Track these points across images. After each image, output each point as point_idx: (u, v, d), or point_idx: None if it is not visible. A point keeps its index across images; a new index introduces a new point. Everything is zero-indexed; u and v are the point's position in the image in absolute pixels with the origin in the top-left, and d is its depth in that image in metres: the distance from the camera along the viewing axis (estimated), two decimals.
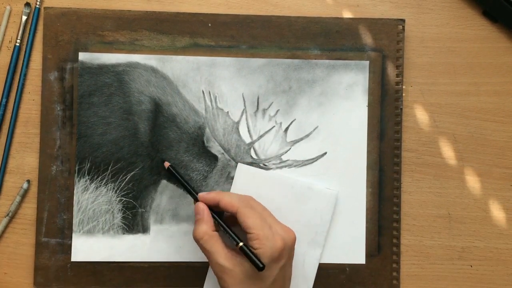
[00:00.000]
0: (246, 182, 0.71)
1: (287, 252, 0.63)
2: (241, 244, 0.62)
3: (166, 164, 0.69)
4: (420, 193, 0.74)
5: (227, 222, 0.65)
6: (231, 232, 0.63)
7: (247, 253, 0.61)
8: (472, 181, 0.74)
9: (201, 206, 0.65)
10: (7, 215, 0.70)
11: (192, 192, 0.67)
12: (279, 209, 0.69)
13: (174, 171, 0.69)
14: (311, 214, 0.71)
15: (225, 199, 0.64)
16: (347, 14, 0.74)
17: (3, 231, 0.71)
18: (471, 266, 0.73)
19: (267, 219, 0.64)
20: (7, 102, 0.71)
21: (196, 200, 0.66)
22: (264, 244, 0.61)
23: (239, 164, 0.71)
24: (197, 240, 0.63)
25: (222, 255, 0.62)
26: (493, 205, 0.74)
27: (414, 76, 0.74)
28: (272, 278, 0.62)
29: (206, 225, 0.63)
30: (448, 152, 0.74)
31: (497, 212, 0.74)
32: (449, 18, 0.75)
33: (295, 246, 0.66)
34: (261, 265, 0.60)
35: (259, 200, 0.68)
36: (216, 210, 0.65)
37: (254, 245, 0.62)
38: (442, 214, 0.74)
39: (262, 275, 0.62)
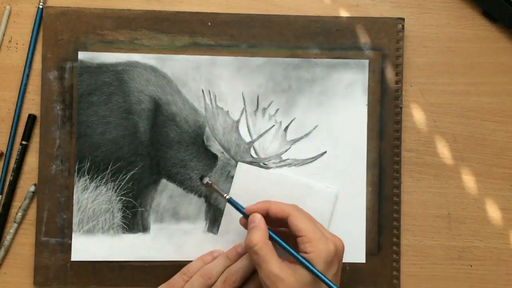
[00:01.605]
0: (246, 181, 0.71)
1: (338, 259, 0.62)
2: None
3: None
4: (420, 193, 0.74)
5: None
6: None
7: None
8: (472, 181, 0.74)
9: (258, 216, 0.64)
10: (15, 221, 0.70)
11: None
12: None
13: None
14: (311, 213, 0.70)
15: (275, 205, 0.64)
16: (347, 14, 0.74)
17: (13, 238, 0.71)
18: (471, 266, 0.73)
19: (317, 225, 0.64)
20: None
21: (243, 214, 0.65)
22: (317, 247, 0.60)
23: (239, 163, 0.71)
24: (251, 247, 0.62)
25: (276, 264, 0.60)
26: (493, 205, 0.74)
27: (414, 76, 0.74)
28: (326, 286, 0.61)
29: (262, 233, 0.62)
30: (448, 152, 0.74)
31: (497, 212, 0.74)
32: (449, 18, 0.75)
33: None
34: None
35: (256, 197, 0.67)
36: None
37: (306, 248, 0.61)
38: (442, 214, 0.74)
39: (316, 283, 0.60)
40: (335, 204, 0.72)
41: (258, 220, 0.63)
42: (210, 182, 0.69)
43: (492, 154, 0.74)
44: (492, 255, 0.73)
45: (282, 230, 0.66)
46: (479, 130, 0.74)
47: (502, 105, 0.74)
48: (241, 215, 0.66)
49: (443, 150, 0.74)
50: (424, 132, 0.74)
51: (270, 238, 0.63)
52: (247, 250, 0.63)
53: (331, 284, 0.59)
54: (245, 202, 0.67)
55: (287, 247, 0.62)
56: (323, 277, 0.59)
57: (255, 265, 0.62)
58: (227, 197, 0.67)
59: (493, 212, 0.74)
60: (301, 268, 0.60)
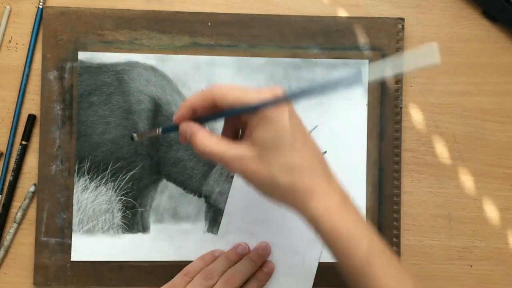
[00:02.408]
0: (245, 187, 0.70)
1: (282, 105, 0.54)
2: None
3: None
4: (420, 193, 0.74)
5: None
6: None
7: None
8: (472, 181, 0.74)
9: (185, 124, 0.56)
10: (15, 221, 0.70)
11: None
12: (279, 208, 0.69)
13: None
14: None
15: (195, 98, 0.55)
16: (347, 14, 0.74)
17: (13, 238, 0.71)
18: (471, 266, 0.73)
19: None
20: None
21: (176, 128, 0.58)
22: (245, 92, 0.53)
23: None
24: (206, 152, 0.54)
25: (235, 148, 0.54)
26: (493, 205, 0.74)
27: (414, 76, 0.74)
28: (287, 132, 0.53)
29: (203, 132, 0.55)
30: (448, 152, 0.74)
31: (497, 212, 0.74)
32: (449, 18, 0.75)
33: (296, 245, 0.65)
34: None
35: (257, 196, 0.63)
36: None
37: (234, 101, 0.53)
38: (442, 214, 0.73)
39: (276, 139, 0.53)
40: None
41: (192, 125, 0.56)
42: (138, 136, 0.64)
43: (492, 154, 0.74)
44: (492, 255, 0.73)
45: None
46: (479, 130, 0.74)
47: (502, 105, 0.74)
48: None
49: (443, 150, 0.74)
50: (424, 132, 0.74)
51: (214, 118, 0.57)
52: (204, 158, 0.56)
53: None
54: (244, 201, 0.67)
55: (220, 112, 0.55)
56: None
57: (222, 164, 0.56)
58: (160, 129, 0.60)
59: (493, 212, 0.74)
60: (256, 133, 0.53)
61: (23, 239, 0.71)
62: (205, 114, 0.56)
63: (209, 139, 0.55)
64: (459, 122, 0.74)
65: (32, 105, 0.71)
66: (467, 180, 0.74)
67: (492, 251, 0.73)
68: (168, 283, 0.67)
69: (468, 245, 0.73)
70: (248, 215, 0.71)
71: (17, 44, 0.72)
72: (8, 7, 0.72)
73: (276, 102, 0.53)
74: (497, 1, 0.73)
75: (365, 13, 0.74)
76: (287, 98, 0.53)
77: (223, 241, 0.71)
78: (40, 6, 0.71)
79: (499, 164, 0.74)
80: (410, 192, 0.73)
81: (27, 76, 0.71)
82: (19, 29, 0.72)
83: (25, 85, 0.71)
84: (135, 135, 0.63)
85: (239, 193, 0.71)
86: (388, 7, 0.74)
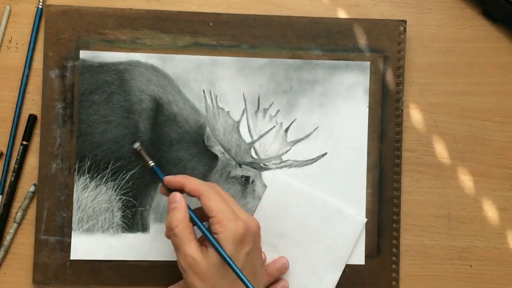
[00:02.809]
0: (277, 192, 0.71)
1: (251, 238, 0.61)
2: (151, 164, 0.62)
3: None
4: (420, 193, 0.74)
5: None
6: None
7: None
8: (472, 181, 0.74)
9: (178, 195, 0.62)
10: (15, 221, 0.70)
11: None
12: (306, 225, 0.70)
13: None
14: (336, 237, 0.71)
15: (191, 182, 0.62)
16: (347, 14, 0.74)
17: (12, 238, 0.71)
18: (471, 266, 0.73)
19: (231, 205, 0.62)
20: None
21: (162, 182, 0.64)
22: (226, 227, 0.59)
23: (274, 174, 0.71)
24: (172, 228, 0.60)
25: (193, 246, 0.60)
26: (493, 205, 0.74)
27: (414, 76, 0.74)
28: (239, 265, 0.60)
29: (182, 214, 0.61)
30: (448, 152, 0.74)
31: (497, 212, 0.74)
32: (449, 18, 0.75)
33: (315, 266, 0.66)
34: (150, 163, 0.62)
35: (286, 211, 0.69)
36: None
37: (216, 229, 0.59)
38: (442, 214, 0.74)
39: (226, 265, 0.59)
40: (361, 233, 0.72)
41: (179, 200, 0.62)
42: (139, 148, 0.66)
43: (492, 154, 0.74)
44: (492, 255, 0.74)
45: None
46: (479, 130, 0.74)
47: (502, 105, 0.74)
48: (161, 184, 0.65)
49: (443, 150, 0.74)
50: (424, 132, 0.74)
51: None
52: (167, 231, 0.62)
53: (231, 263, 0.59)
54: (272, 213, 0.69)
55: (203, 227, 0.61)
56: (224, 254, 0.59)
57: (174, 247, 0.61)
58: (152, 164, 0.65)
59: (493, 212, 0.74)
60: (212, 250, 0.60)
61: (23, 239, 0.71)
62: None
63: (185, 223, 0.61)
64: (459, 122, 0.74)
65: (32, 105, 0.71)
66: (467, 180, 0.74)
67: (492, 251, 0.73)
68: None
69: (468, 245, 0.73)
70: (274, 228, 0.71)
71: (17, 44, 0.72)
72: (8, 7, 0.72)
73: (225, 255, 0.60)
74: (497, 1, 0.73)
75: (365, 13, 0.74)
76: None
77: None
78: (40, 6, 0.71)
79: (499, 164, 0.74)
80: (410, 192, 0.73)
81: (27, 76, 0.71)
82: (19, 29, 0.72)
83: (25, 85, 0.71)
84: (138, 144, 0.66)
85: (269, 205, 0.71)
86: (388, 7, 0.74)
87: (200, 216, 0.63)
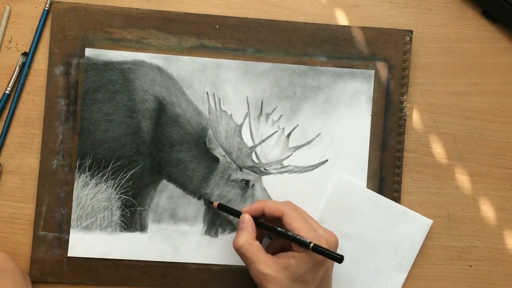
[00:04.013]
0: (342, 194, 0.71)
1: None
2: (312, 244, 0.61)
3: (215, 204, 0.69)
4: (420, 193, 0.73)
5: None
6: (294, 235, 0.62)
7: (321, 251, 0.60)
8: (472, 181, 0.74)
9: (246, 216, 0.65)
10: None
11: (236, 212, 0.67)
12: (371, 227, 0.71)
13: (224, 208, 0.69)
14: (402, 239, 0.71)
15: (270, 205, 0.65)
16: (346, 15, 0.73)
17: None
18: (471, 266, 0.73)
19: (311, 222, 0.64)
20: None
21: (238, 216, 0.66)
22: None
23: (340, 174, 0.72)
24: (237, 249, 0.63)
25: (263, 263, 0.62)
26: (492, 206, 0.74)
27: (414, 76, 0.74)
28: (317, 281, 0.62)
29: (247, 234, 0.63)
30: (447, 152, 0.74)
31: (496, 213, 0.74)
32: (448, 18, 0.75)
33: (381, 268, 0.67)
34: (339, 256, 0.60)
35: (350, 212, 0.70)
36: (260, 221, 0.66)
37: (299, 248, 0.62)
38: (442, 214, 0.73)
39: (306, 278, 0.62)
40: (426, 234, 0.72)
41: (246, 221, 0.64)
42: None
43: (492, 154, 0.74)
44: (492, 255, 0.73)
45: None
46: (479, 130, 0.74)
47: (502, 105, 0.74)
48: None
49: (443, 151, 0.74)
50: (424, 132, 0.74)
51: (272, 232, 0.65)
52: (236, 251, 0.64)
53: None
54: (337, 214, 0.70)
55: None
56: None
57: (246, 266, 0.63)
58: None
59: (493, 212, 0.74)
60: (293, 263, 0.61)
61: (23, 239, 0.70)
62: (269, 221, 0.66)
63: (250, 242, 0.63)
64: (458, 123, 0.74)
65: (32, 105, 0.71)
66: (466, 181, 0.74)
67: (492, 251, 0.73)
68: None
69: (467, 245, 0.73)
70: (339, 229, 0.71)
71: (17, 44, 0.72)
72: (8, 7, 0.72)
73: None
74: (497, 1, 0.72)
75: (365, 14, 0.74)
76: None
77: (220, 244, 0.71)
78: (46, 9, 0.71)
79: (499, 164, 0.74)
80: (410, 192, 0.73)
81: (26, 75, 0.71)
82: (19, 29, 0.72)
83: (23, 85, 0.71)
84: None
85: (335, 206, 0.71)
86: (388, 7, 0.74)
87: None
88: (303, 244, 0.61)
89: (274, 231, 0.64)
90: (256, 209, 0.65)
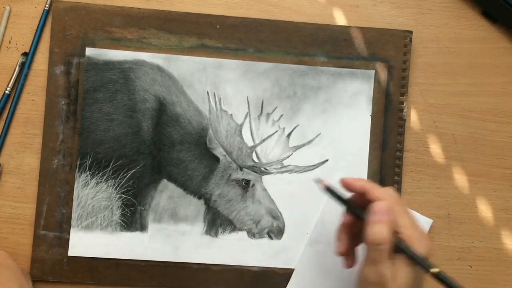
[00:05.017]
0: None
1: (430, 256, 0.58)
2: (437, 270, 0.56)
3: (322, 184, 0.62)
4: (420, 193, 0.74)
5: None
6: (417, 256, 0.57)
7: (445, 281, 0.57)
8: (472, 182, 0.74)
9: (384, 205, 0.57)
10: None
11: (354, 207, 0.61)
12: None
13: (332, 191, 0.62)
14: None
15: (375, 191, 0.58)
16: (346, 14, 0.74)
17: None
18: (471, 266, 0.73)
19: (413, 219, 0.59)
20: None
21: (346, 204, 0.60)
22: (416, 245, 0.56)
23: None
24: (378, 243, 0.56)
25: (389, 265, 0.56)
26: (492, 206, 0.74)
27: (414, 76, 0.74)
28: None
29: (389, 231, 0.56)
30: (447, 152, 0.74)
31: (496, 213, 0.74)
32: (448, 18, 0.75)
33: None
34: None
35: None
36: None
37: (406, 246, 0.57)
38: (442, 214, 0.74)
39: (414, 283, 0.57)
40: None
41: (386, 212, 0.57)
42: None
43: (492, 154, 0.74)
44: (492, 255, 0.74)
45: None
46: (479, 131, 0.74)
47: (502, 105, 0.74)
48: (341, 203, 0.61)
49: (443, 151, 0.74)
50: (424, 132, 0.74)
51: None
52: (369, 244, 0.57)
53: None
54: (338, 214, 0.63)
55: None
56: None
57: (368, 259, 0.58)
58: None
59: (493, 212, 0.74)
60: (411, 270, 0.56)
61: (23, 239, 0.70)
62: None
63: (390, 242, 0.56)
64: (458, 123, 0.74)
65: (32, 106, 0.71)
66: (466, 181, 0.74)
67: (492, 252, 0.74)
68: None
69: (467, 246, 0.74)
70: None
71: (17, 44, 0.72)
72: (8, 7, 0.72)
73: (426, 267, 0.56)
74: (497, 1, 0.72)
75: (364, 14, 0.74)
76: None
77: (220, 244, 0.71)
78: (46, 9, 0.71)
79: (499, 164, 0.74)
80: (410, 192, 0.73)
81: (26, 76, 0.71)
82: (19, 29, 0.72)
83: (22, 85, 0.71)
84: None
85: (335, 206, 0.63)
86: (388, 7, 0.74)
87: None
88: (425, 268, 0.57)
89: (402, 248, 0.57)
90: (360, 187, 0.59)
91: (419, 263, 0.56)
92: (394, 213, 0.57)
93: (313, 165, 0.72)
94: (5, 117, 0.71)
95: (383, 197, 0.58)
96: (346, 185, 0.61)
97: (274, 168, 0.72)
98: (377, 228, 0.56)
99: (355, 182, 0.60)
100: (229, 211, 0.72)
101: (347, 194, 0.62)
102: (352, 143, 0.72)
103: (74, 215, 0.70)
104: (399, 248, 0.57)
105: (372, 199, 0.58)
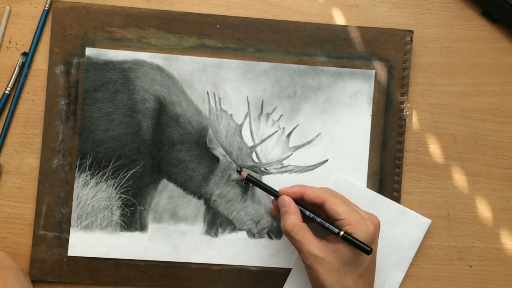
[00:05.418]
0: (342, 192, 0.68)
1: (377, 236, 0.64)
2: (342, 232, 0.61)
3: (244, 173, 0.69)
4: (420, 193, 0.74)
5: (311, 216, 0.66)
6: (324, 222, 0.63)
7: (351, 240, 0.61)
8: (472, 182, 0.74)
9: (287, 198, 0.65)
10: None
11: (272, 191, 0.67)
12: None
13: (252, 179, 0.69)
14: (400, 238, 0.71)
15: (311, 190, 0.65)
16: (345, 14, 0.74)
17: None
18: (471, 266, 0.73)
19: (353, 206, 0.65)
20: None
21: (276, 197, 0.66)
22: (358, 229, 0.61)
23: (339, 174, 0.72)
24: (288, 232, 0.63)
25: (314, 245, 0.62)
26: (492, 206, 0.74)
27: (414, 76, 0.74)
28: (366, 263, 0.62)
29: (295, 217, 0.63)
30: (447, 152, 0.74)
31: (496, 213, 0.74)
32: (448, 18, 0.75)
33: (378, 267, 0.67)
34: (369, 249, 0.60)
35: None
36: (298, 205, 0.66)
37: (347, 230, 0.62)
38: (442, 214, 0.73)
39: (357, 261, 0.62)
40: (424, 233, 0.72)
41: (288, 203, 0.64)
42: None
43: (492, 154, 0.74)
44: (491, 255, 0.73)
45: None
46: (479, 131, 0.74)
47: (502, 105, 0.74)
48: (273, 198, 0.68)
49: (443, 151, 0.74)
50: (424, 132, 0.74)
51: (308, 220, 0.64)
52: (285, 235, 0.64)
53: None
54: None
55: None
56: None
57: (295, 247, 0.64)
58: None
59: (493, 212, 0.74)
60: (341, 246, 0.62)
61: (23, 239, 0.70)
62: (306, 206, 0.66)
63: (299, 225, 0.63)
64: (458, 123, 0.74)
65: (32, 106, 0.71)
66: (466, 181, 0.74)
67: (492, 252, 0.73)
68: None
69: (467, 246, 0.73)
70: None
71: (17, 44, 0.72)
72: (8, 7, 0.72)
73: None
74: (497, 1, 0.72)
75: (364, 14, 0.74)
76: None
77: (220, 244, 0.71)
78: (46, 8, 0.71)
79: (498, 164, 0.74)
80: (410, 192, 0.73)
81: (25, 75, 0.71)
82: (19, 29, 0.72)
83: (22, 85, 0.71)
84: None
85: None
86: (387, 7, 0.74)
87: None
88: (334, 233, 0.62)
89: (306, 217, 0.64)
90: (295, 193, 0.65)
91: (328, 229, 0.63)
92: (331, 204, 0.63)
93: (313, 165, 0.72)
94: (5, 117, 0.71)
95: (317, 193, 0.64)
96: (285, 194, 0.65)
97: (274, 168, 0.72)
98: (284, 218, 0.64)
99: (290, 190, 0.66)
100: (229, 211, 0.72)
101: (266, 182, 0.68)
102: (352, 143, 0.72)
103: (73, 215, 0.70)
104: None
105: (308, 198, 0.64)
